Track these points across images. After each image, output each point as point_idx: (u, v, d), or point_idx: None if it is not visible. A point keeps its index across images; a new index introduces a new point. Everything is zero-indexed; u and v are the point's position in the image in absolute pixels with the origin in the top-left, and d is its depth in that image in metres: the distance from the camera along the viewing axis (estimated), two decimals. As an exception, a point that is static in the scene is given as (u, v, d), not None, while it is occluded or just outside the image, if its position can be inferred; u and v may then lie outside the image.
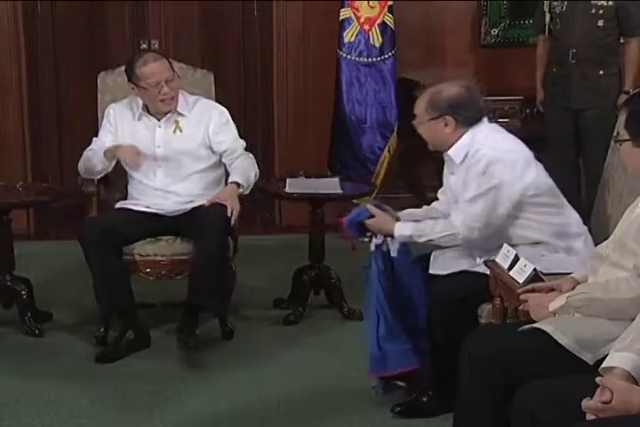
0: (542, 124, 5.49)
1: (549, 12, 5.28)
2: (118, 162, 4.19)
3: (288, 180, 4.50)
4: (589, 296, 2.66)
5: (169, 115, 4.18)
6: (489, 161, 3.30)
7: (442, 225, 3.43)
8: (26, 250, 4.77)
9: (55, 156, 5.87)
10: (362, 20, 5.40)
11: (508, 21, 5.96)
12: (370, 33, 5.37)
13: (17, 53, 5.67)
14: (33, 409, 3.60)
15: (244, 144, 4.27)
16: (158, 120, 4.20)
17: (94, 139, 4.26)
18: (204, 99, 4.31)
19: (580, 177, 5.47)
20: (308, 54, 5.84)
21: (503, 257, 3.12)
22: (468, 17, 5.86)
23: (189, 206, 4.14)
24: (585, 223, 3.52)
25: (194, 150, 4.20)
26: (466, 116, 3.39)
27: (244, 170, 4.15)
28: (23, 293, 4.30)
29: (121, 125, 4.23)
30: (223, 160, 4.25)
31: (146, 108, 4.20)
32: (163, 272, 4.13)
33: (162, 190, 4.18)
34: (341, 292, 4.52)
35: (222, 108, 4.29)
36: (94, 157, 4.16)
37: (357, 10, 5.39)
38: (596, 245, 2.88)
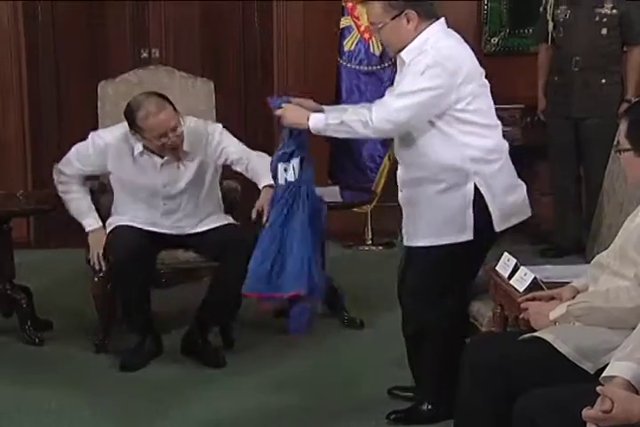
0: (543, 133, 5.51)
1: (552, 20, 5.30)
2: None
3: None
4: (590, 305, 2.66)
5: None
6: (430, 63, 3.19)
7: (359, 111, 3.29)
8: (26, 258, 4.75)
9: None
10: (362, 28, 5.41)
11: (508, 30, 5.99)
12: (370, 41, 5.38)
13: (17, 59, 5.71)
14: (33, 418, 3.59)
15: (245, 147, 4.16)
16: (161, 157, 4.02)
17: (72, 153, 4.16)
18: (192, 120, 4.10)
19: (580, 186, 5.47)
20: (308, 62, 5.85)
21: (503, 266, 3.12)
22: (468, 26, 5.83)
23: (195, 229, 4.12)
24: (585, 233, 3.52)
25: (200, 183, 4.10)
26: (427, 7, 3.29)
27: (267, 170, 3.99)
28: (23, 301, 4.30)
29: (118, 161, 4.06)
30: (235, 168, 4.13)
31: (146, 148, 4.01)
32: (164, 280, 4.13)
33: (162, 226, 4.11)
34: (342, 300, 4.52)
35: (213, 125, 4.15)
36: (76, 213, 4.17)
37: (358, 18, 5.40)
38: (596, 255, 2.88)
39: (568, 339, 2.60)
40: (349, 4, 5.40)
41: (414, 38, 3.27)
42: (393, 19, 3.27)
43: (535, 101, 5.53)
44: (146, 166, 4.03)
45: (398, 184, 3.48)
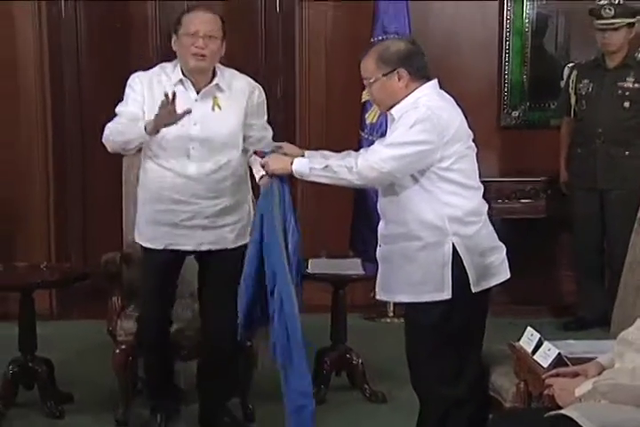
0: (565, 206, 5.51)
1: (575, 93, 5.36)
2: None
3: (310, 260, 4.51)
4: (615, 382, 2.63)
5: (207, 88, 3.77)
6: (420, 118, 3.25)
7: (345, 158, 3.38)
8: (47, 330, 4.70)
9: (79, 236, 5.91)
10: (383, 101, 5.45)
11: (528, 104, 6.02)
12: (391, 114, 5.42)
13: (44, 130, 5.78)
14: None
15: (271, 134, 3.99)
16: (197, 93, 3.78)
17: (118, 110, 3.81)
18: (240, 74, 3.92)
19: (604, 258, 5.45)
20: (329, 134, 5.89)
21: (526, 341, 3.10)
22: (488, 99, 5.93)
23: (220, 221, 3.86)
24: (609, 306, 3.48)
25: (232, 133, 3.82)
26: (418, 68, 3.35)
27: None
28: (44, 374, 4.28)
29: (150, 94, 3.77)
30: (247, 146, 3.89)
31: (184, 75, 3.77)
32: (185, 353, 4.11)
33: (192, 179, 3.78)
34: (363, 374, 4.48)
35: (260, 87, 3.94)
36: (130, 131, 3.70)
37: (379, 92, 5.44)
38: (621, 329, 2.85)
39: (594, 416, 2.57)
40: (371, 78, 5.46)
41: (406, 96, 3.34)
42: (384, 75, 3.34)
43: (556, 174, 5.54)
44: (179, 99, 3.63)
45: (378, 239, 3.50)
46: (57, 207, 5.87)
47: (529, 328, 3.13)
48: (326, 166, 3.31)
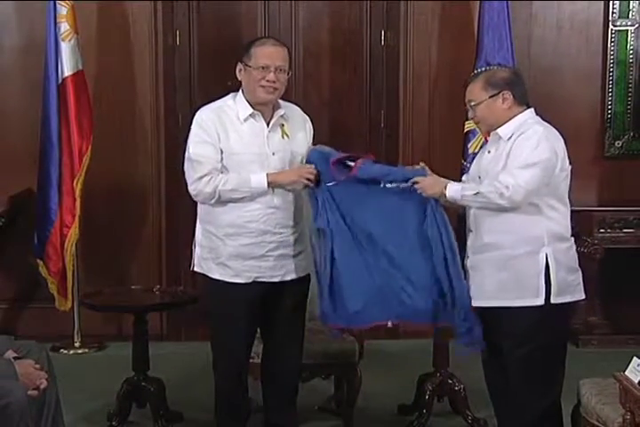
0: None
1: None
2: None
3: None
4: None
5: (275, 118, 3.84)
6: (541, 138, 3.51)
7: (489, 183, 3.55)
8: (158, 350, 4.86)
9: (189, 261, 6.04)
10: (486, 131, 5.49)
11: (632, 133, 6.01)
12: (494, 144, 5.45)
13: (157, 158, 5.92)
14: None
15: None
16: (267, 125, 3.84)
17: (196, 153, 3.78)
18: (289, 103, 3.99)
19: None
20: (432, 163, 5.92)
21: (633, 371, 3.11)
22: (591, 129, 5.93)
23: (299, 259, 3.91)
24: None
25: (302, 159, 3.89)
26: (521, 93, 3.63)
27: None
28: (156, 393, 4.42)
29: (223, 133, 3.78)
30: None
31: (253, 108, 3.81)
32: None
33: (278, 208, 3.82)
34: (466, 400, 4.50)
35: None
36: (236, 189, 3.75)
37: (482, 122, 5.49)
38: None
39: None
40: (474, 109, 5.52)
41: (510, 119, 3.60)
42: (490, 97, 3.62)
43: (660, 204, 5.53)
44: (252, 131, 3.80)
45: (467, 251, 3.70)
46: (169, 235, 6.02)
47: (635, 358, 3.14)
48: (477, 193, 3.55)
